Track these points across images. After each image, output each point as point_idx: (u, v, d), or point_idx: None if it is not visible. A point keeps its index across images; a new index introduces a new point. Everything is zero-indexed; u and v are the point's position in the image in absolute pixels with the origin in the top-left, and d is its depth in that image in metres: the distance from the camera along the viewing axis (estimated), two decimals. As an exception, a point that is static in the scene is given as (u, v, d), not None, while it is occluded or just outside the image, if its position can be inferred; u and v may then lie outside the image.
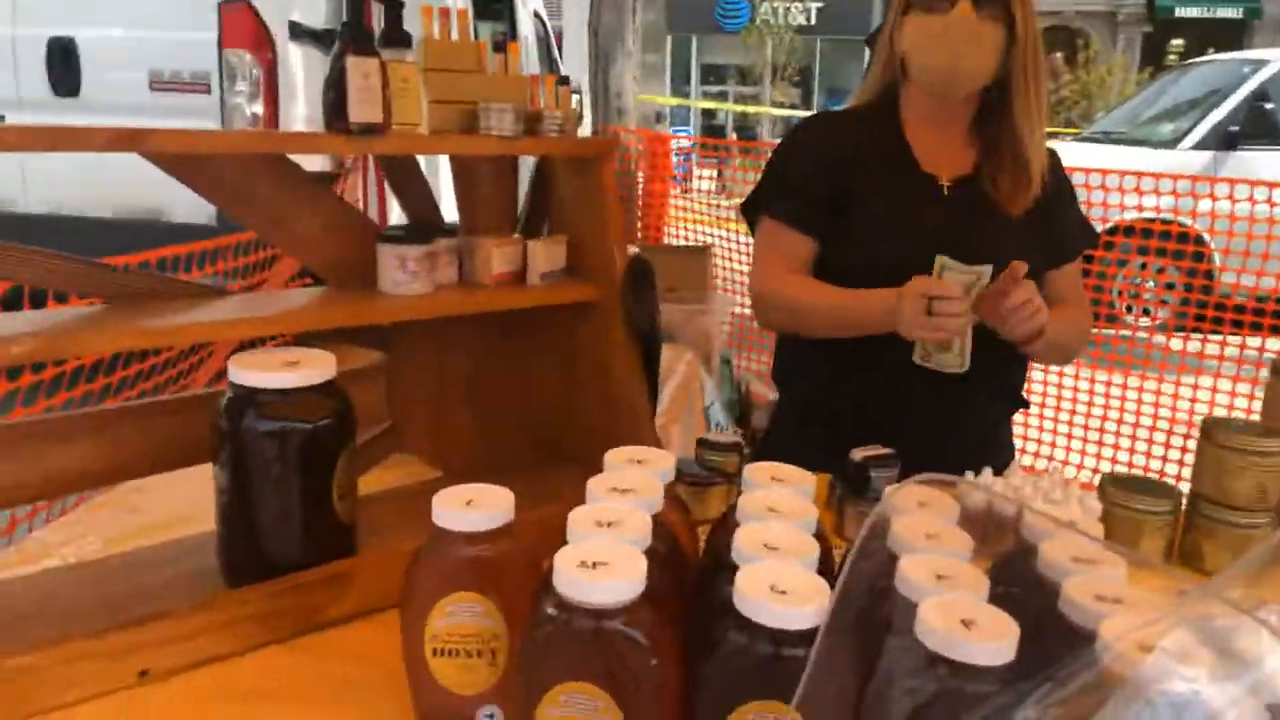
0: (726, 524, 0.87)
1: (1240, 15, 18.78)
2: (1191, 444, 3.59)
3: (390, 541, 1.07)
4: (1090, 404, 4.00)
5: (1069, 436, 4.01)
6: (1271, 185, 4.07)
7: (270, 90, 3.55)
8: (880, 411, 1.45)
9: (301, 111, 3.71)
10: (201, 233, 2.38)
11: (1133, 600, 0.72)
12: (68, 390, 1.95)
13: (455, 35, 1.23)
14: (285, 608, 0.97)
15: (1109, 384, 3.99)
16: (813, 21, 19.88)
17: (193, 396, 1.07)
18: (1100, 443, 3.94)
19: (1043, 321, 1.32)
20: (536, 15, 6.66)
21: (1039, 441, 4.01)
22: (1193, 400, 3.88)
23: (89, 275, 1.01)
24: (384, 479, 1.27)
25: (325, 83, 1.06)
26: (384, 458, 1.28)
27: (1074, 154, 6.83)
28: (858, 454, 1.11)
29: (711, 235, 5.55)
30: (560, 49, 9.07)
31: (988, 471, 1.09)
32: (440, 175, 1.40)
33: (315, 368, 0.98)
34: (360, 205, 2.84)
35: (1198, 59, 8.63)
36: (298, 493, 0.98)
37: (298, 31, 3.65)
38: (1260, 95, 6.55)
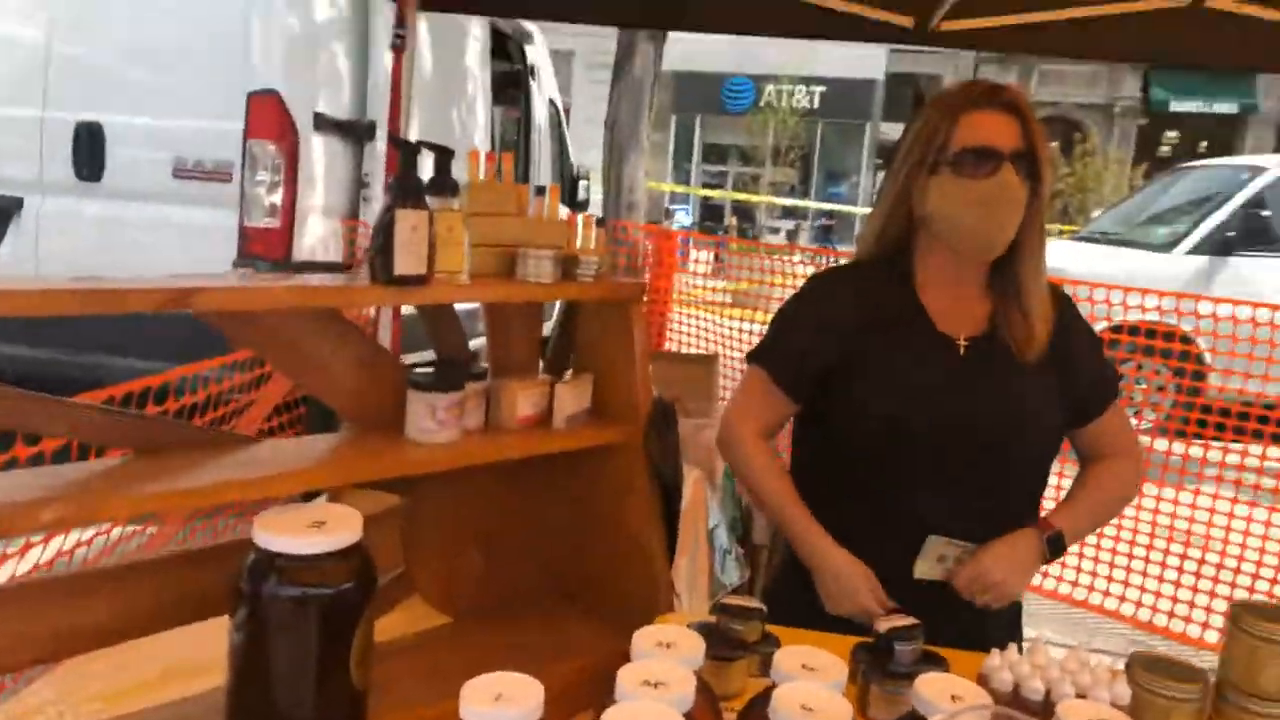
0: (755, 717, 0.86)
1: (1236, 110, 19.15)
2: (1172, 558, 3.68)
3: (402, 705, 1.05)
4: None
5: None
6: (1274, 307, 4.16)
7: (290, 181, 3.58)
8: (885, 570, 1.44)
9: (319, 202, 3.74)
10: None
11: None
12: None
13: (500, 179, 1.26)
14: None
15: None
16: (816, 105, 20.28)
17: (215, 548, 1.06)
18: (1096, 559, 3.92)
19: (1003, 596, 1.42)
20: (551, 102, 6.77)
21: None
22: (1174, 504, 3.88)
23: (115, 427, 1.01)
24: (392, 624, 1.25)
25: (374, 229, 1.07)
26: (394, 605, 1.27)
27: (1072, 254, 7.00)
28: (882, 625, 1.10)
29: (715, 322, 5.58)
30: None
31: (1013, 648, 1.07)
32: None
33: (341, 530, 0.97)
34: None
35: (1195, 163, 8.80)
36: (314, 660, 0.96)
37: (322, 122, 3.71)
38: (1257, 202, 6.65)
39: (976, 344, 1.47)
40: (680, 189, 19.02)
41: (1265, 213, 6.60)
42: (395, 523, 1.26)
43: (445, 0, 2.65)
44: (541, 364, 1.39)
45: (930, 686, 0.86)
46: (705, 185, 20.84)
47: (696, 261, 9.48)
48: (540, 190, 1.28)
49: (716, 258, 10.11)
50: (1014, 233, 1.42)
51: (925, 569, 1.41)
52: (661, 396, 1.39)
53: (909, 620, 1.11)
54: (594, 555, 1.35)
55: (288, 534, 0.94)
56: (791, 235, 18.09)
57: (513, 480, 1.34)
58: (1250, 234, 6.51)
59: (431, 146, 1.13)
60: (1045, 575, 3.89)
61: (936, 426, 1.41)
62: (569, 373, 1.35)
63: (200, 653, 1.09)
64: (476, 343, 1.49)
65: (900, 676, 1.04)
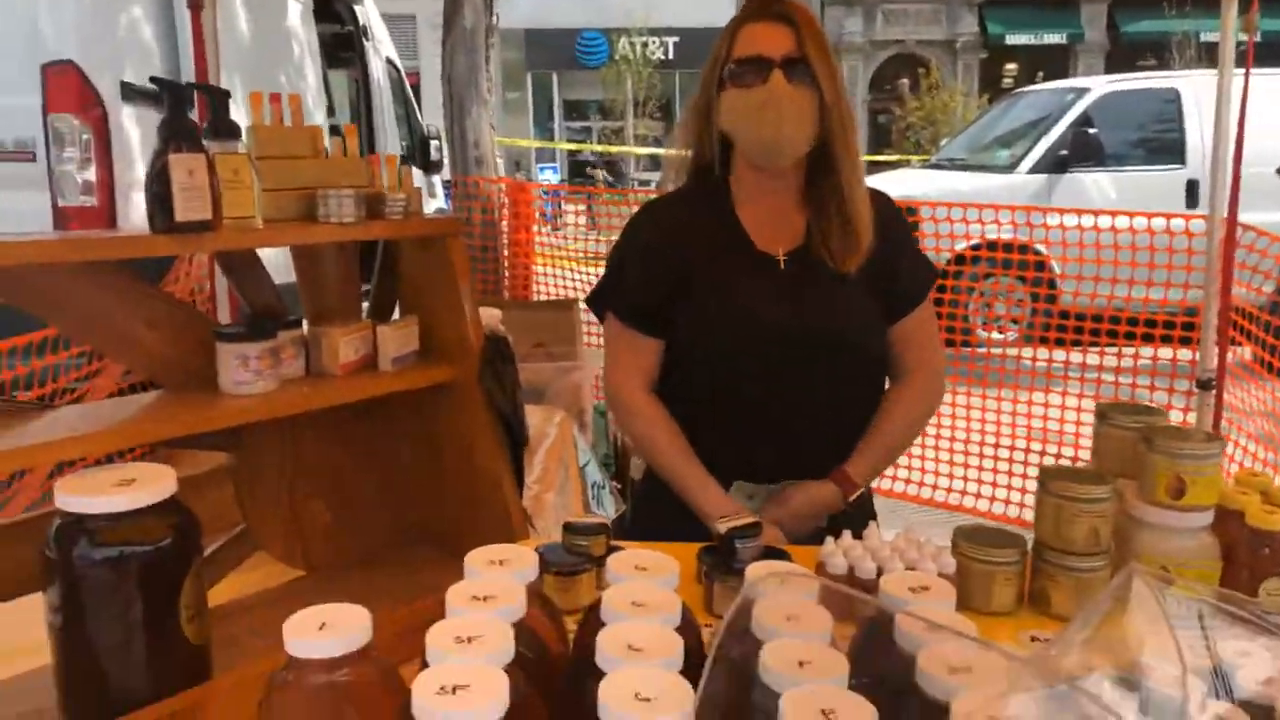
0: (591, 621, 0.86)
1: (1065, 40, 20.22)
2: (1034, 455, 3.90)
3: (248, 658, 1.02)
4: (954, 421, 4.17)
5: (932, 459, 4.16)
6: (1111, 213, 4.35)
7: (103, 155, 3.35)
8: (738, 464, 1.48)
9: (140, 176, 3.53)
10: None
11: (982, 669, 0.74)
12: None
13: (288, 120, 1.20)
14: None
15: (968, 404, 4.19)
16: (671, 56, 20.28)
17: (20, 522, 1.00)
18: (965, 462, 4.12)
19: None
20: (390, 61, 6.56)
21: (907, 468, 4.14)
22: (1045, 408, 4.11)
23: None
24: (241, 583, 1.21)
25: (146, 179, 1.01)
26: (239, 563, 1.22)
27: (923, 180, 7.25)
28: (722, 525, 1.12)
29: (586, 275, 5.57)
30: (419, 94, 8.96)
31: (847, 535, 1.11)
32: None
33: (152, 485, 0.92)
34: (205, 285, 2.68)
35: (1028, 88, 9.20)
36: (141, 621, 0.92)
37: (131, 93, 3.46)
38: (1084, 121, 7.04)
39: (795, 257, 1.49)
40: (538, 144, 18.79)
41: (1092, 130, 6.98)
42: (225, 480, 1.21)
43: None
44: (365, 310, 1.35)
45: (758, 570, 0.88)
46: (570, 141, 20.67)
47: (571, 214, 9.37)
48: (335, 130, 1.23)
49: (589, 208, 10.04)
50: (803, 138, 1.44)
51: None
52: (496, 332, 1.37)
53: (749, 518, 1.13)
54: (444, 494, 1.33)
55: (94, 494, 0.89)
56: (661, 184, 18.19)
57: (352, 428, 1.30)
58: (1081, 151, 6.90)
59: (202, 87, 1.07)
60: (935, 488, 4.09)
61: (766, 341, 1.44)
62: (393, 313, 1.32)
63: (18, 635, 1.03)
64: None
65: (742, 572, 1.06)
